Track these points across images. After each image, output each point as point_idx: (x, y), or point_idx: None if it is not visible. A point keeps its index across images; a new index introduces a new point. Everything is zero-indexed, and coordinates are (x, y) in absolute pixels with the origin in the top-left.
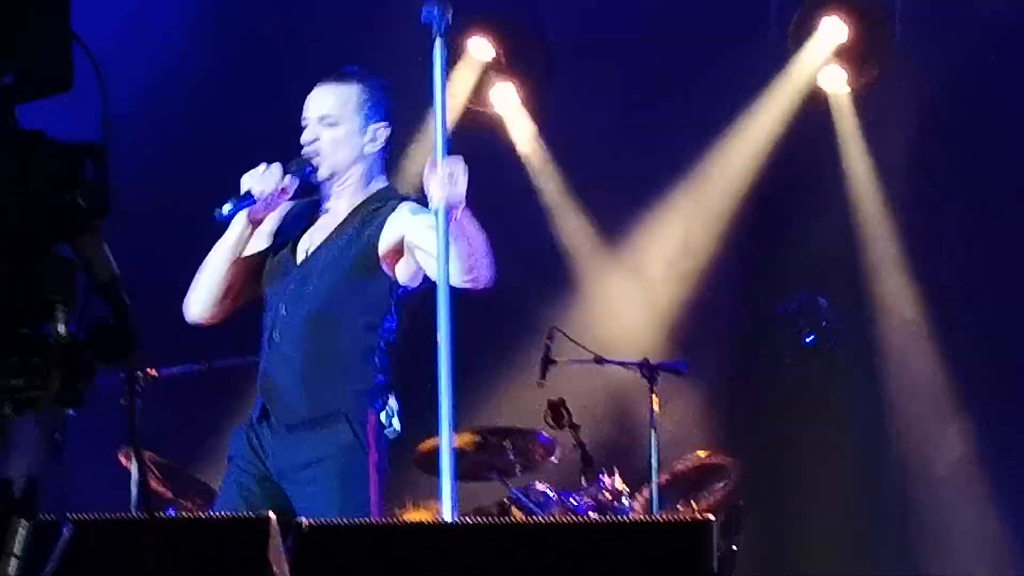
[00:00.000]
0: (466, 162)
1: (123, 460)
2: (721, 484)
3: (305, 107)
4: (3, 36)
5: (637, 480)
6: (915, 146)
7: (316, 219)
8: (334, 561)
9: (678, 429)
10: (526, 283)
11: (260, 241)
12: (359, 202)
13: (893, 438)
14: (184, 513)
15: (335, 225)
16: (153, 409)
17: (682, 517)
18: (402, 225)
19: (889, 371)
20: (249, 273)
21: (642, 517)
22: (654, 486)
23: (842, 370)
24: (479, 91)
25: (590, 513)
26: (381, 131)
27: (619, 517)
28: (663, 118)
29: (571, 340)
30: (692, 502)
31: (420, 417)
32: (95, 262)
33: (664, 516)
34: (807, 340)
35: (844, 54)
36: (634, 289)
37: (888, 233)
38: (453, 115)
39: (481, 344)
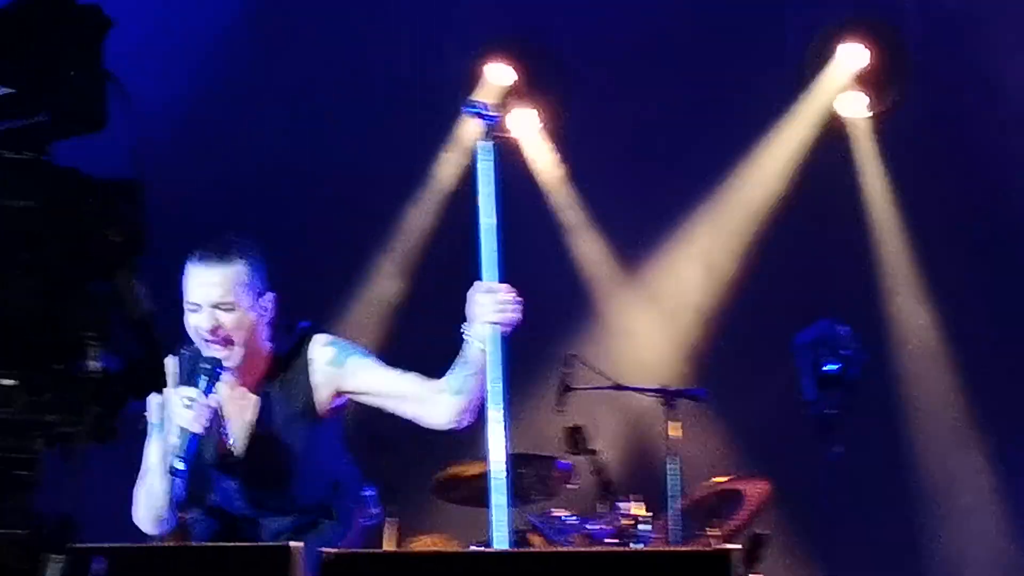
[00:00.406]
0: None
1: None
2: (739, 511)
3: (189, 289)
4: (38, 75)
5: (657, 506)
6: (933, 171)
7: (222, 405)
8: None
9: (697, 456)
10: (544, 309)
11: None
12: (262, 384)
13: (913, 464)
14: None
15: (252, 417)
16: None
17: (705, 546)
18: (335, 382)
19: (908, 396)
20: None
21: (664, 546)
22: (672, 512)
23: (862, 396)
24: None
25: (609, 539)
26: (270, 300)
27: (640, 545)
28: (683, 144)
29: (589, 367)
30: (710, 528)
31: (437, 445)
32: (129, 298)
33: (687, 545)
34: (827, 369)
35: (862, 80)
36: (653, 315)
37: (906, 258)
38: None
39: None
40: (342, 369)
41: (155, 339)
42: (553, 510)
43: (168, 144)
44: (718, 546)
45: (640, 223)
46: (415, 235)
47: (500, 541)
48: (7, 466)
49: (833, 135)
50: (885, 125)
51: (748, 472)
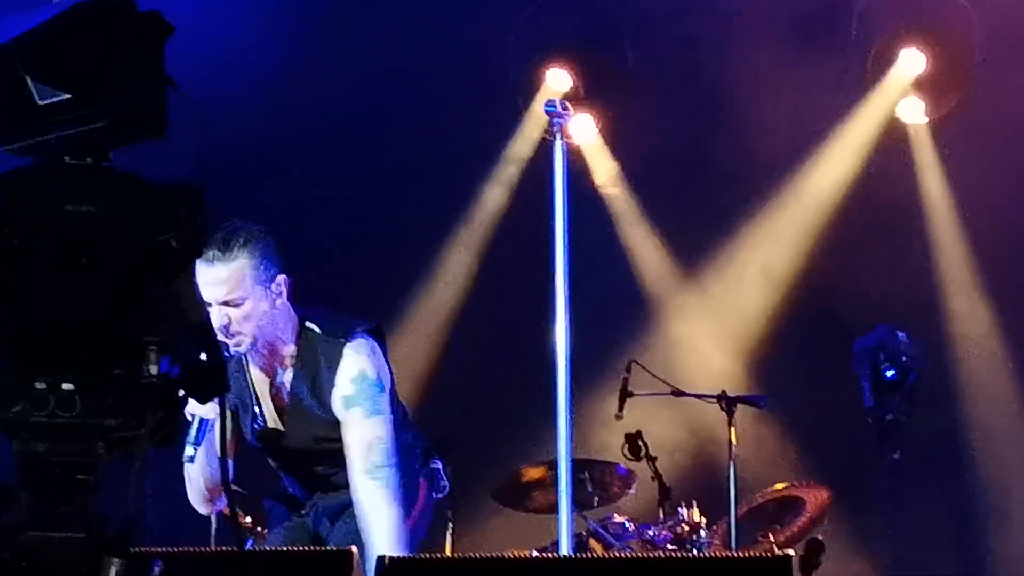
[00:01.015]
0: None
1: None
2: (798, 517)
3: (200, 288)
4: (99, 82)
5: (715, 513)
6: (993, 176)
7: (260, 389)
8: None
9: (757, 462)
10: (605, 316)
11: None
12: (292, 364)
13: (972, 469)
14: (262, 543)
15: (286, 396)
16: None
17: (762, 552)
18: (338, 414)
19: (968, 402)
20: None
21: (722, 552)
22: (732, 519)
23: (921, 402)
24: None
25: (668, 546)
26: (282, 282)
27: (698, 551)
28: (741, 149)
29: (649, 373)
30: (769, 535)
31: (501, 450)
32: (188, 303)
33: (744, 551)
34: (887, 375)
35: (922, 85)
36: (713, 322)
37: (966, 263)
38: (528, 147)
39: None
40: (346, 413)
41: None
42: (613, 516)
43: (235, 143)
44: (777, 551)
45: (700, 229)
46: (480, 235)
47: (564, 547)
48: (69, 470)
49: (894, 140)
50: (944, 130)
51: (808, 479)
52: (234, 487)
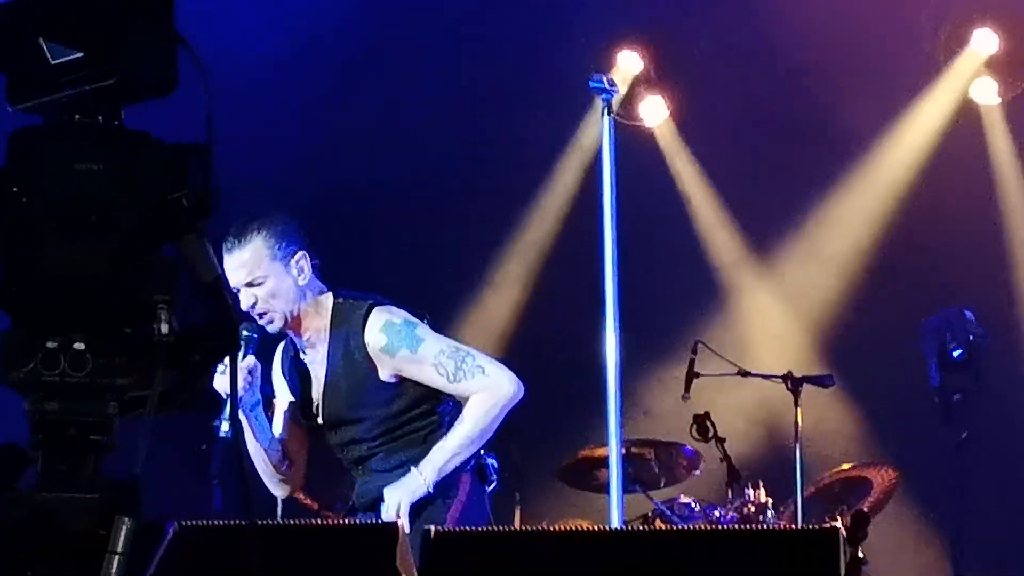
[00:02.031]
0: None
1: None
2: (865, 497)
3: (228, 277)
4: (108, 39)
5: (782, 493)
6: None
7: (303, 370)
8: (460, 568)
9: (824, 442)
10: (672, 296)
11: (281, 417)
12: (328, 337)
13: None
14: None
15: (326, 371)
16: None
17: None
18: (391, 366)
19: None
20: (294, 438)
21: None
22: (798, 499)
23: (988, 381)
24: (628, 104)
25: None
26: (302, 261)
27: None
28: (814, 129)
29: (716, 353)
30: (837, 515)
31: (564, 431)
32: (199, 262)
33: (791, 525)
34: (954, 354)
35: (995, 65)
36: (780, 302)
37: None
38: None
39: (625, 358)
40: (394, 360)
41: (226, 302)
42: (679, 496)
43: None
44: (823, 524)
45: (769, 210)
46: (547, 221)
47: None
48: (81, 430)
49: (967, 121)
50: (1018, 110)
51: (874, 458)
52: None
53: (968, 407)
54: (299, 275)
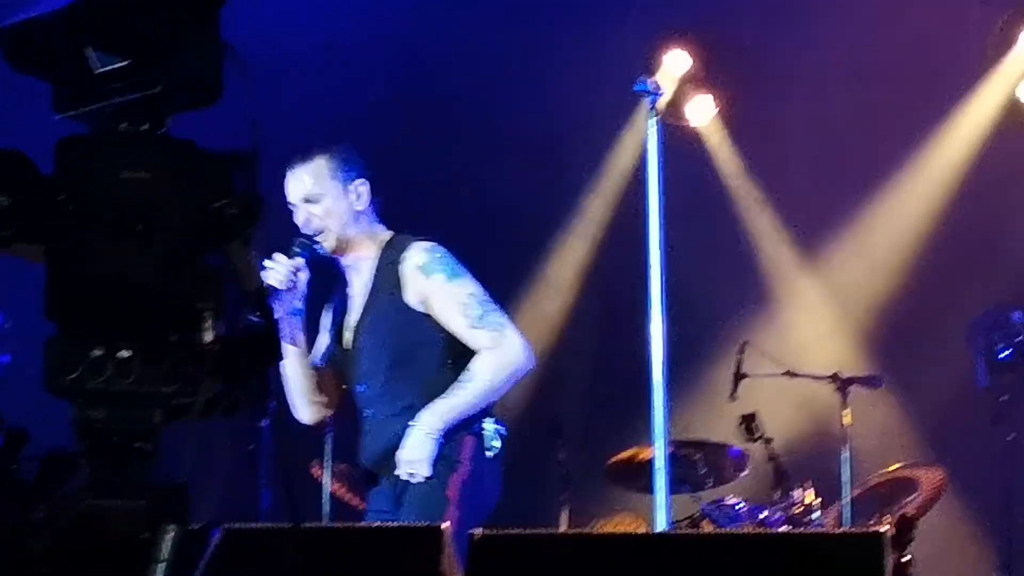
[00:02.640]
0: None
1: (315, 472)
2: (913, 497)
3: (287, 196)
4: (153, 48)
5: (830, 494)
6: None
7: (346, 300)
8: (506, 571)
9: (872, 442)
10: (720, 296)
11: (324, 342)
12: (374, 266)
13: None
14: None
15: (363, 300)
16: (348, 420)
17: (856, 529)
18: (420, 288)
19: None
20: (329, 373)
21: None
22: (846, 500)
23: None
24: (676, 104)
25: (780, 527)
26: (361, 188)
27: (796, 529)
28: (861, 130)
29: (763, 354)
30: (885, 516)
31: (613, 431)
32: (244, 270)
33: (838, 528)
34: (1002, 355)
35: None
36: (827, 302)
37: None
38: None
39: (673, 357)
40: (427, 281)
41: (270, 311)
42: (725, 497)
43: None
44: (869, 528)
45: (816, 209)
46: (595, 223)
47: (660, 525)
48: (127, 438)
49: (1014, 122)
50: None
51: (922, 459)
52: (344, 466)
53: (1016, 408)
54: (356, 200)
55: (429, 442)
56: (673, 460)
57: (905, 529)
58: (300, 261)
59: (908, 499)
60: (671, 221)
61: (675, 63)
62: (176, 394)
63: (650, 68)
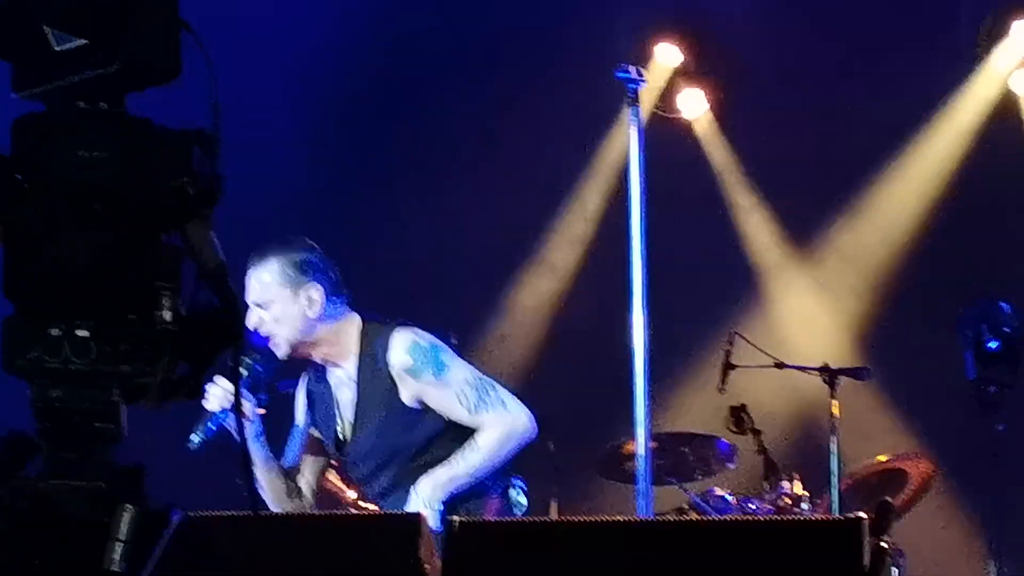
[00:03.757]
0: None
1: None
2: (901, 489)
3: (245, 295)
4: (111, 26)
5: (819, 486)
6: None
7: (328, 397)
8: (485, 559)
9: (860, 434)
10: (709, 288)
11: (297, 443)
12: (356, 364)
13: None
14: None
15: (352, 400)
16: None
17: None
18: (414, 390)
19: None
20: (311, 456)
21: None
22: (834, 491)
23: None
24: (667, 97)
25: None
26: (314, 293)
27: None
28: (851, 123)
29: (752, 345)
30: (873, 507)
31: (601, 423)
32: (202, 250)
33: (816, 516)
34: (990, 346)
35: None
36: (816, 294)
37: None
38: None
39: (661, 349)
40: (417, 383)
41: (229, 290)
42: (714, 489)
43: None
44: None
45: (805, 201)
46: (581, 215)
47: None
48: (86, 417)
49: (1006, 114)
50: None
51: (911, 451)
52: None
53: (1005, 399)
54: (308, 306)
55: (429, 515)
56: (662, 452)
57: (884, 515)
58: (247, 402)
59: (897, 491)
60: (661, 213)
61: (666, 55)
62: (135, 374)
63: (640, 60)
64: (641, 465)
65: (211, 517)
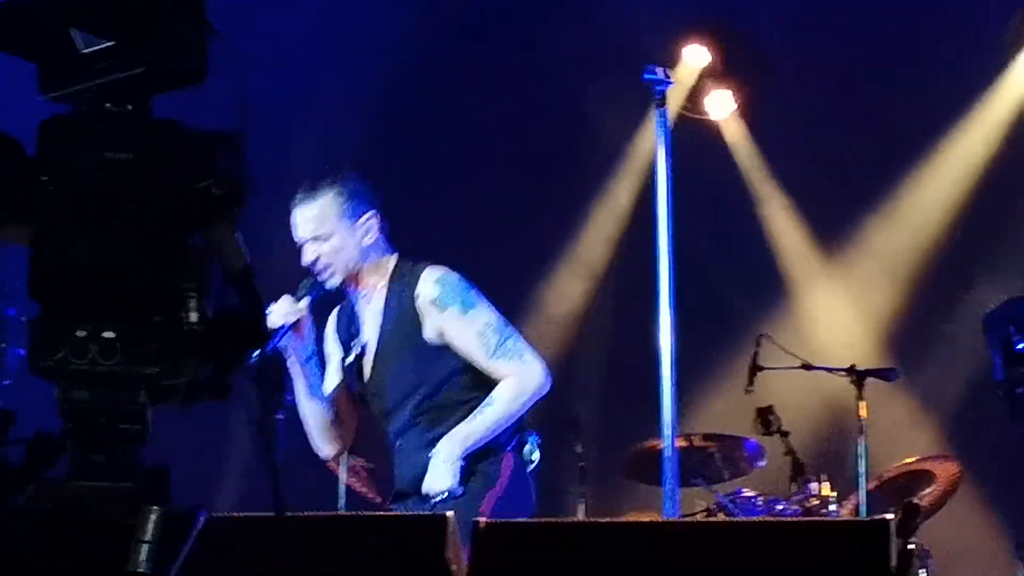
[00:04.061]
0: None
1: (330, 466)
2: (929, 490)
3: (293, 232)
4: (138, 28)
5: (846, 487)
6: None
7: (358, 329)
8: (511, 560)
9: (887, 435)
10: (737, 289)
11: (335, 373)
12: (385, 297)
13: None
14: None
15: (377, 333)
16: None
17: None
18: (437, 322)
19: None
20: (344, 401)
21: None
22: (862, 492)
23: None
24: (694, 98)
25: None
26: (371, 222)
27: (801, 518)
28: (880, 122)
29: (779, 346)
30: (900, 508)
31: (629, 424)
32: (228, 251)
33: (843, 517)
34: (1018, 347)
35: None
36: (846, 295)
37: None
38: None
39: (689, 350)
40: (442, 315)
41: (255, 292)
42: (742, 490)
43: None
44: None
45: (833, 202)
46: (611, 216)
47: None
48: (112, 419)
49: None
50: None
51: (939, 452)
52: (359, 461)
53: None
54: (365, 235)
55: (449, 470)
56: (689, 453)
57: (911, 516)
58: (306, 302)
59: (924, 491)
60: (689, 215)
61: (694, 57)
62: (161, 375)
63: (668, 61)
64: (668, 466)
65: (236, 518)
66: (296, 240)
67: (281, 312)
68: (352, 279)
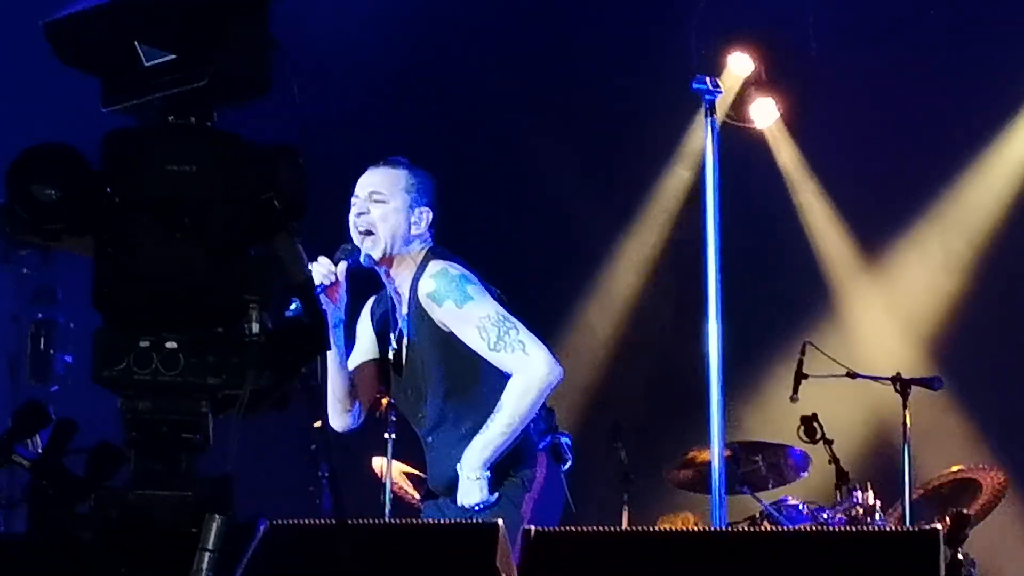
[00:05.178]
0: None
1: (375, 469)
2: (974, 500)
3: (357, 188)
4: (201, 41)
5: (891, 495)
6: None
7: (391, 314)
8: (561, 569)
9: (932, 444)
10: (782, 297)
11: (360, 354)
12: (411, 286)
13: None
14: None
15: (406, 320)
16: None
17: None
18: (438, 315)
19: None
20: (363, 382)
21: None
22: (907, 501)
23: None
24: (739, 106)
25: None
26: (425, 214)
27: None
28: (925, 130)
29: (824, 354)
30: (946, 517)
31: (673, 432)
32: (289, 263)
33: (899, 527)
34: None
35: None
36: (890, 303)
37: None
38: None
39: (733, 359)
40: (440, 309)
41: (316, 303)
42: (787, 498)
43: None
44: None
45: (879, 211)
46: (656, 224)
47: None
48: (173, 429)
49: None
50: None
51: (984, 461)
52: (410, 468)
53: None
54: (416, 222)
55: (476, 484)
56: (734, 461)
57: (959, 526)
58: (343, 266)
59: (969, 501)
60: (734, 222)
61: (738, 65)
62: (222, 386)
63: (714, 70)
64: (715, 475)
65: (295, 526)
66: (353, 199)
67: (319, 272)
68: (387, 262)
